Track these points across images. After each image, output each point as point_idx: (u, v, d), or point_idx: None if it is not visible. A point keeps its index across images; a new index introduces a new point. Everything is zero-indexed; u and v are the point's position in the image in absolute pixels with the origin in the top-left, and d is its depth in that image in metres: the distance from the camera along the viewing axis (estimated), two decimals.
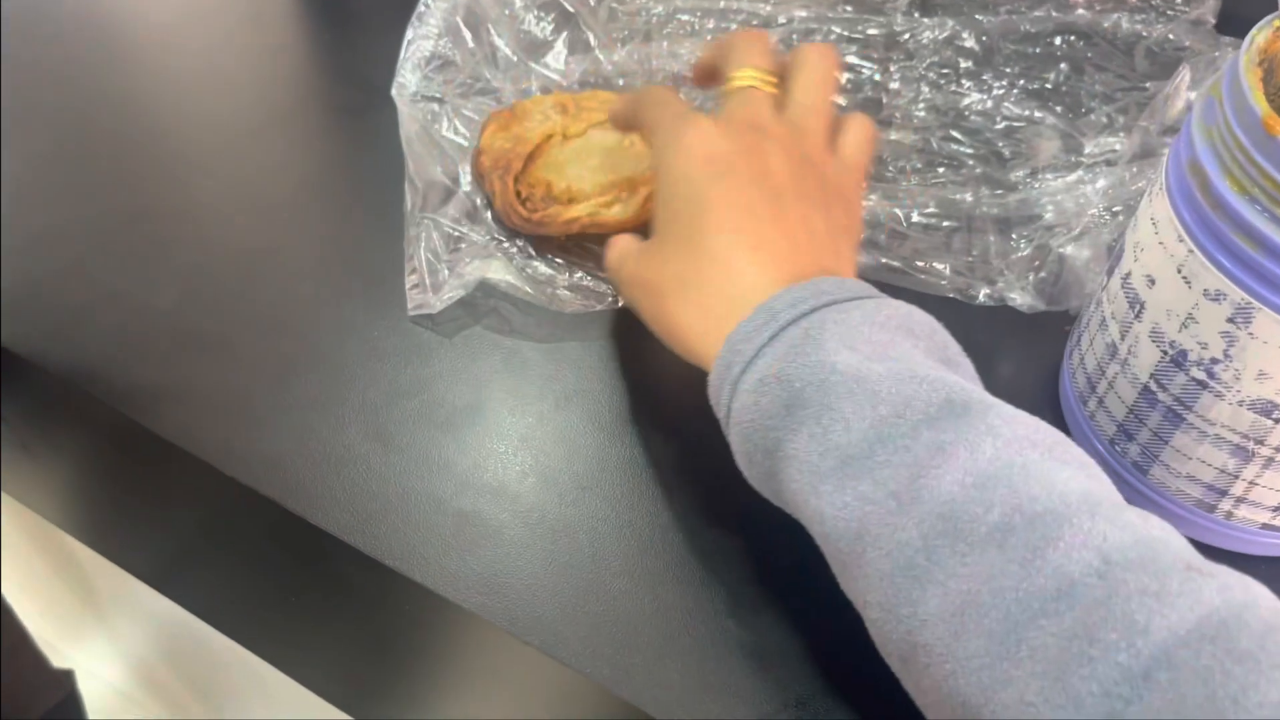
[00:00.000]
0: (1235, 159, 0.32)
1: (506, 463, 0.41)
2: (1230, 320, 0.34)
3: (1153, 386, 0.37)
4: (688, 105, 0.40)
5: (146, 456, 0.45)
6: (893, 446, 0.29)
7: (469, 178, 0.49)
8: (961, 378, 0.32)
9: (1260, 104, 0.32)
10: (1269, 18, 0.35)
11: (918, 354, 0.32)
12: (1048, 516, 0.27)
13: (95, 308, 0.46)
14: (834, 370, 0.31)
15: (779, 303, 0.33)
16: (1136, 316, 0.37)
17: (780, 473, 0.32)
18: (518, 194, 0.47)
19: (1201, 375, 0.35)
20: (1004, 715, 0.25)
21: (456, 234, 0.46)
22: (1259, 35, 0.34)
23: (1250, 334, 0.33)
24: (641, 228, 0.46)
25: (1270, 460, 0.36)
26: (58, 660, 0.79)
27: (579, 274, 0.46)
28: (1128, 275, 0.38)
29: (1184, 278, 0.35)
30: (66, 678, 0.79)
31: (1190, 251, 0.34)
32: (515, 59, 0.54)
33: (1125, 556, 0.26)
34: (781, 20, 0.58)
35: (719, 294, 0.35)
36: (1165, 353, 0.36)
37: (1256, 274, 0.32)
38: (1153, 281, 0.36)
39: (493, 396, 0.43)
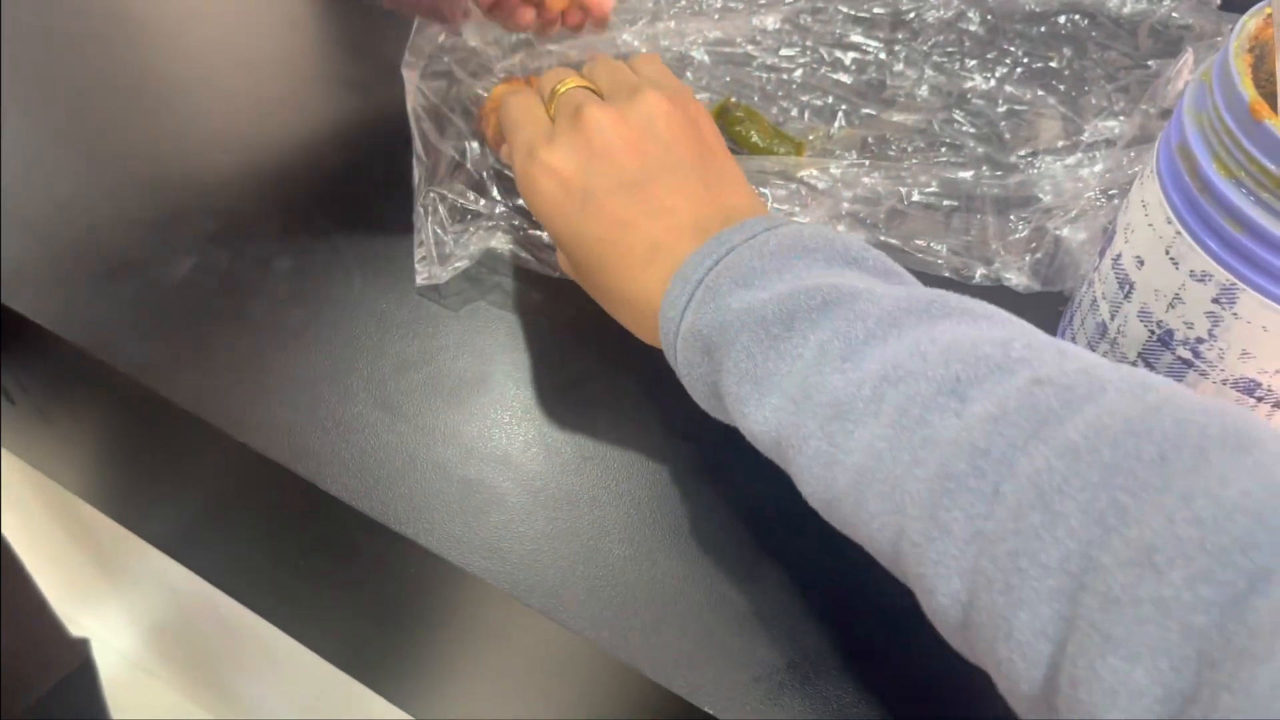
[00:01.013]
0: (1223, 143, 0.33)
1: (511, 432, 0.42)
2: (1215, 301, 0.34)
3: (1141, 365, 0.38)
4: (538, 119, 0.41)
5: (160, 424, 0.46)
6: (789, 358, 0.32)
7: (475, 151, 0.50)
8: (863, 272, 0.34)
9: (1248, 89, 0.32)
10: (1260, 5, 0.35)
11: (816, 266, 0.34)
12: (909, 378, 0.29)
13: (111, 277, 0.47)
14: (728, 311, 0.34)
15: (688, 268, 0.36)
16: (1126, 297, 0.38)
17: (726, 409, 0.35)
18: None
19: (1187, 354, 0.36)
20: (908, 558, 0.28)
21: (462, 206, 0.47)
22: (1250, 22, 0.35)
23: (1234, 314, 0.34)
24: None
25: None
26: (73, 629, 0.80)
27: None
28: (1118, 256, 0.39)
29: (1172, 259, 0.35)
30: (83, 646, 0.81)
31: (1178, 233, 0.35)
32: (524, 37, 0.55)
33: (977, 391, 0.28)
34: (787, 1, 0.58)
35: (640, 302, 0.38)
36: (1153, 332, 0.37)
37: (1241, 256, 0.33)
38: (1142, 262, 0.37)
39: (498, 368, 0.44)
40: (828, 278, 0.33)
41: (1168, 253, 0.36)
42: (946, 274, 0.47)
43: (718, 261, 0.35)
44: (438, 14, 0.48)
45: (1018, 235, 0.48)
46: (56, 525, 0.94)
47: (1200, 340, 0.36)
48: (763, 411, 0.33)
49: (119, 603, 1.05)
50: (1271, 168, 0.31)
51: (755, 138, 0.52)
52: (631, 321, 0.39)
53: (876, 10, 0.58)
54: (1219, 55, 0.34)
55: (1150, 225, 0.37)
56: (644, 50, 0.56)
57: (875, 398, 0.29)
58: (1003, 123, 0.53)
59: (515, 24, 0.51)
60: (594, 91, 0.41)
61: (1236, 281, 0.33)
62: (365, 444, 0.41)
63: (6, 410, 0.58)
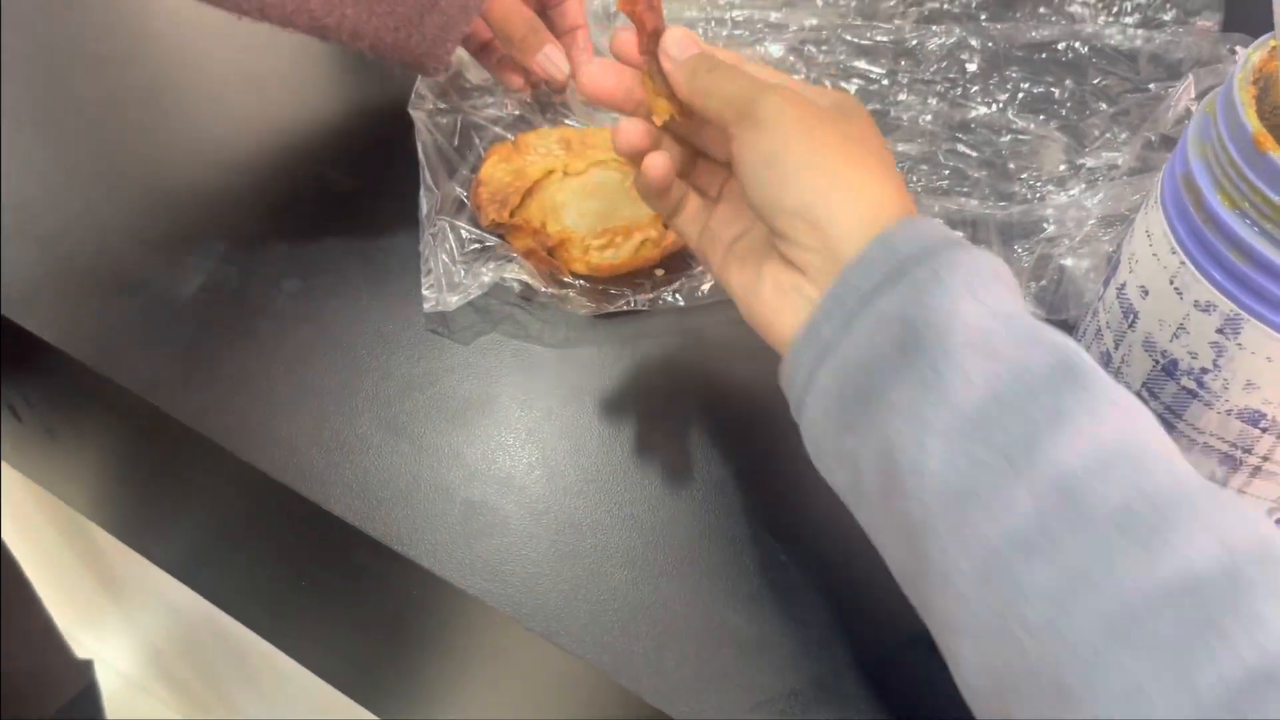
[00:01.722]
0: (1227, 174, 0.33)
1: (515, 455, 0.42)
2: (1220, 331, 0.34)
3: (1144, 395, 0.38)
4: None
5: (165, 441, 0.46)
6: (1011, 409, 0.28)
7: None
8: None
9: (1252, 121, 0.32)
10: (1265, 37, 0.36)
11: (1027, 315, 0.31)
12: (1171, 502, 0.26)
13: (120, 294, 0.47)
14: (958, 317, 0.30)
15: (899, 238, 0.32)
16: (1130, 326, 0.38)
17: (874, 422, 0.30)
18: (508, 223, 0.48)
19: (1191, 384, 0.36)
20: (1106, 698, 0.25)
21: (473, 237, 0.47)
22: (1254, 55, 0.35)
23: (1239, 344, 0.34)
24: (634, 273, 0.47)
25: (1258, 469, 0.36)
26: (75, 647, 0.80)
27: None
28: (1123, 286, 0.39)
29: (1176, 289, 0.36)
30: (87, 668, 0.81)
31: (1183, 263, 0.35)
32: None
33: (1250, 551, 0.25)
34: (792, 28, 0.59)
35: (836, 218, 0.33)
36: (1157, 362, 0.37)
37: (1245, 286, 0.33)
38: (1146, 292, 0.37)
39: (503, 391, 0.44)
40: (1053, 333, 0.30)
41: (1172, 282, 0.36)
42: None
43: (938, 249, 0.31)
44: (420, 68, 0.49)
45: (1023, 264, 0.48)
46: (61, 542, 0.94)
47: (1205, 370, 0.36)
48: (953, 453, 0.28)
49: (121, 621, 1.05)
50: (1275, 198, 0.32)
51: None
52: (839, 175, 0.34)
53: (879, 39, 0.59)
54: (1223, 87, 0.35)
55: (1155, 255, 0.37)
56: None
57: (1125, 509, 0.26)
58: (1005, 150, 0.53)
59: (505, 83, 0.54)
60: None
61: (1241, 312, 0.34)
62: (369, 464, 0.41)
63: (13, 426, 0.58)
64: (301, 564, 0.48)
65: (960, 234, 0.34)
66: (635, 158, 0.39)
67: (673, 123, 0.38)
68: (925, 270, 0.31)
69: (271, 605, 0.56)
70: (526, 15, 0.50)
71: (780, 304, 0.35)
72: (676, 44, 0.38)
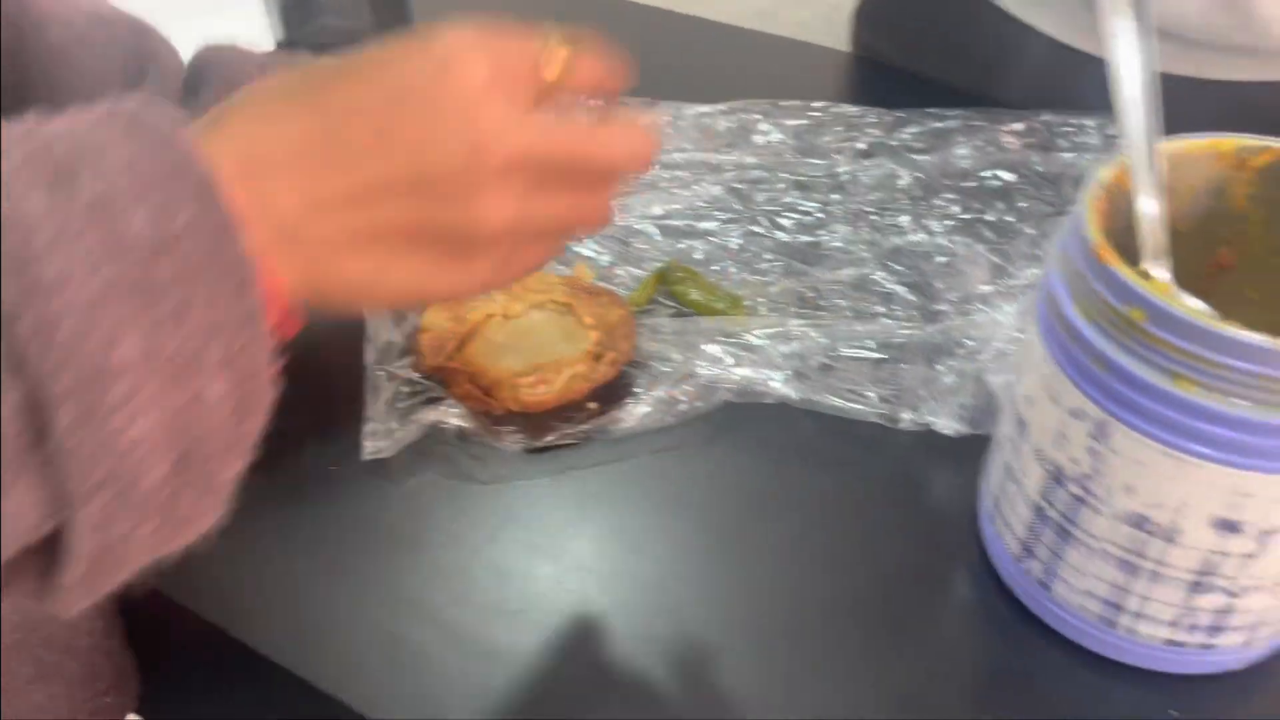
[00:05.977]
0: (1079, 286, 0.35)
1: (442, 589, 0.43)
2: (1092, 436, 0.35)
3: (1042, 504, 0.38)
4: None
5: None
6: None
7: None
8: None
9: (1094, 234, 0.34)
10: (1118, 156, 0.37)
11: None
12: None
13: None
14: None
15: None
16: (1022, 436, 0.39)
17: None
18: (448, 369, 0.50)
19: (1079, 491, 0.37)
20: None
21: (411, 381, 0.50)
22: (1104, 172, 0.37)
23: (1111, 449, 0.35)
24: (565, 407, 0.49)
25: (1155, 574, 0.36)
26: None
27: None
28: (1015, 397, 0.40)
29: (1051, 397, 0.36)
30: None
31: (1054, 372, 0.36)
32: None
33: None
34: (731, 169, 0.62)
35: None
36: (1047, 470, 0.38)
37: (1108, 393, 0.34)
38: (1031, 401, 0.38)
39: (435, 528, 0.46)
40: None
41: (1048, 391, 0.37)
42: (874, 419, 0.48)
43: None
44: None
45: (945, 381, 0.49)
46: None
47: (1086, 476, 0.36)
48: None
49: None
50: (1120, 308, 0.33)
51: (695, 295, 0.55)
52: None
53: (815, 175, 0.62)
54: (1076, 204, 0.36)
55: (1034, 365, 0.38)
56: None
57: None
58: (933, 272, 0.55)
59: None
60: None
61: (1108, 418, 0.34)
62: (301, 605, 0.43)
63: None
64: (245, 707, 0.49)
65: None
66: None
67: None
68: None
69: None
70: None
71: None
72: None
